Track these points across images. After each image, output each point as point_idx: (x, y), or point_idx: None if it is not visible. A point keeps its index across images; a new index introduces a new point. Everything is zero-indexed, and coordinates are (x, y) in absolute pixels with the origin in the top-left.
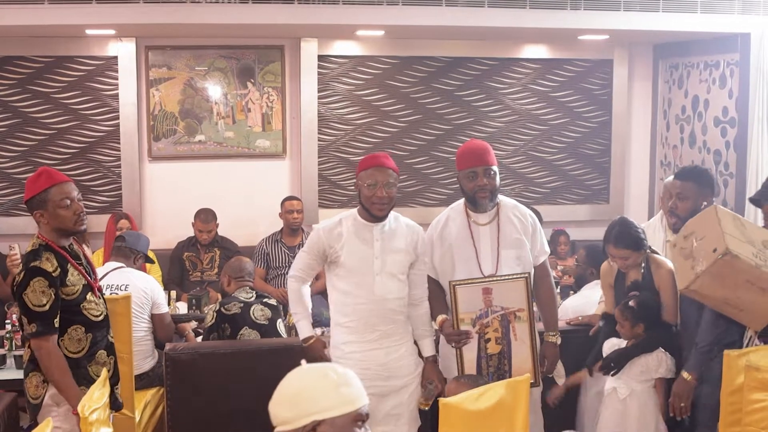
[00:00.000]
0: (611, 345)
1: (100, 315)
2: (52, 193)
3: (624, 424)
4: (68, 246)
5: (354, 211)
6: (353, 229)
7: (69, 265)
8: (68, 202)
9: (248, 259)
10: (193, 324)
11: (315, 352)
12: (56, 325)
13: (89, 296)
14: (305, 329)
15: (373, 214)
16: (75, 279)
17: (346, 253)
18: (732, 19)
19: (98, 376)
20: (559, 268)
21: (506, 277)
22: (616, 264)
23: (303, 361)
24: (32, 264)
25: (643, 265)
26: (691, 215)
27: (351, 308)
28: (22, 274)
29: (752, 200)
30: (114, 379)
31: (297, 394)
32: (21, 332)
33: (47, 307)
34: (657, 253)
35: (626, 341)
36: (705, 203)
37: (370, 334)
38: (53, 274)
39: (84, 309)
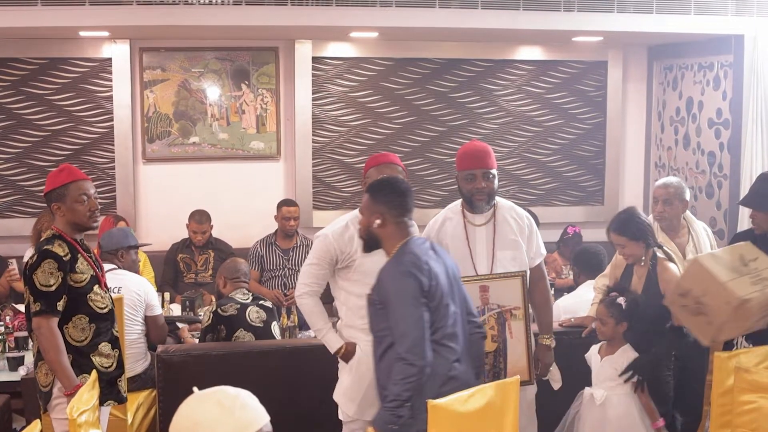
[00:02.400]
0: (594, 351)
1: (105, 308)
2: (71, 189)
3: (604, 430)
4: (79, 239)
5: (355, 212)
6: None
7: (79, 254)
8: (85, 198)
9: (243, 260)
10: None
11: (350, 358)
12: (59, 309)
13: (96, 288)
14: (334, 341)
15: None
16: (84, 268)
17: (361, 257)
18: (726, 20)
19: (102, 367)
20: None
21: (502, 275)
22: (619, 253)
23: (195, 389)
24: (45, 247)
25: (642, 262)
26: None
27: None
28: (35, 256)
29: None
30: (118, 372)
31: (192, 428)
32: (28, 322)
33: (53, 288)
34: (670, 258)
35: (602, 343)
36: None
37: None
38: (64, 258)
39: (90, 300)
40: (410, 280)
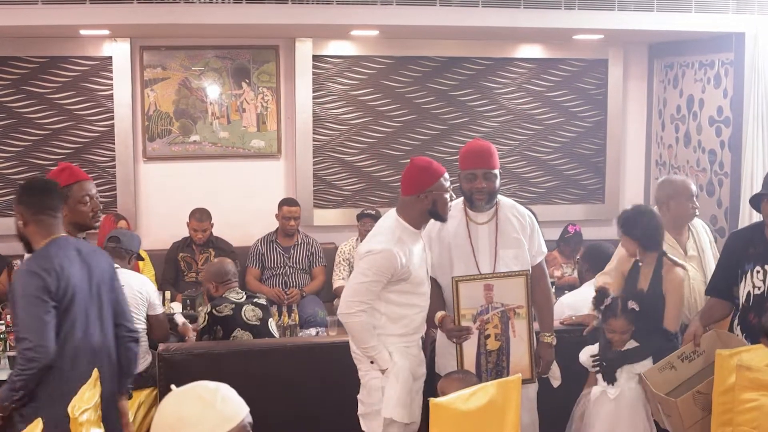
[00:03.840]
0: (590, 352)
1: None
2: (74, 190)
3: (615, 425)
4: (82, 239)
5: (398, 222)
6: (410, 242)
7: None
8: (88, 199)
9: (227, 260)
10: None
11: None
12: None
13: None
14: (387, 359)
15: (445, 217)
16: None
17: (414, 268)
18: (726, 18)
19: None
20: (565, 271)
21: (507, 274)
22: (626, 249)
23: (173, 386)
24: None
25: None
26: None
27: (410, 319)
28: None
29: (751, 202)
30: None
31: (175, 425)
32: None
33: None
34: (678, 263)
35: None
36: None
37: (416, 335)
38: None
39: None
40: (35, 280)
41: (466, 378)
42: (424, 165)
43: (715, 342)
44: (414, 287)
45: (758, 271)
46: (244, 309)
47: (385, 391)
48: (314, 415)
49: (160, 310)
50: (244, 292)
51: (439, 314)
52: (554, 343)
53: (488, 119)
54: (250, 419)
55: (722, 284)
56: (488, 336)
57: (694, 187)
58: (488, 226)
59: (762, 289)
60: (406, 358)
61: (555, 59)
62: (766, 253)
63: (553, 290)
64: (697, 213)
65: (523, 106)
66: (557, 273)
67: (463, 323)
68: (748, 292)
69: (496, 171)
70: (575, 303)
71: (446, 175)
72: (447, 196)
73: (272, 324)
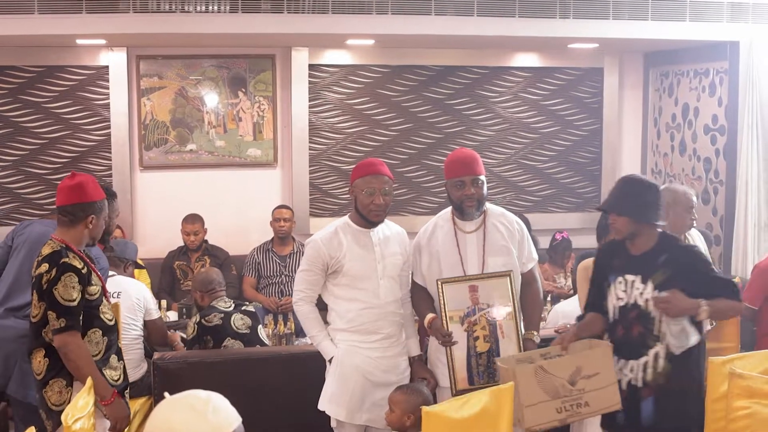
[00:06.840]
0: None
1: (113, 319)
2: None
3: None
4: (84, 251)
5: (345, 219)
6: (351, 236)
7: (89, 266)
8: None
9: (213, 269)
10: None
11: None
12: (81, 323)
13: (104, 300)
14: (329, 348)
15: (371, 220)
16: (95, 280)
17: (349, 261)
18: (721, 27)
19: (112, 380)
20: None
21: (490, 275)
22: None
23: (166, 394)
24: (63, 260)
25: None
26: None
27: (355, 314)
28: (53, 270)
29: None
30: (125, 383)
31: None
32: (34, 339)
33: (76, 302)
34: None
35: None
36: None
37: (374, 336)
38: (82, 271)
39: (101, 312)
40: None
41: (411, 391)
42: (358, 164)
43: (584, 345)
44: (352, 281)
45: (620, 282)
46: (233, 318)
47: (325, 384)
48: (309, 424)
49: (156, 315)
50: (232, 301)
51: (429, 316)
52: (538, 341)
53: (484, 128)
54: (242, 429)
55: (596, 299)
56: (477, 338)
57: (694, 199)
58: (476, 234)
59: (625, 300)
60: (354, 355)
61: (550, 68)
62: (627, 263)
63: (549, 298)
64: (695, 224)
65: (518, 114)
66: (550, 288)
67: (451, 325)
68: (614, 306)
69: (483, 177)
70: (571, 311)
71: (373, 176)
72: (366, 198)
73: (261, 331)
